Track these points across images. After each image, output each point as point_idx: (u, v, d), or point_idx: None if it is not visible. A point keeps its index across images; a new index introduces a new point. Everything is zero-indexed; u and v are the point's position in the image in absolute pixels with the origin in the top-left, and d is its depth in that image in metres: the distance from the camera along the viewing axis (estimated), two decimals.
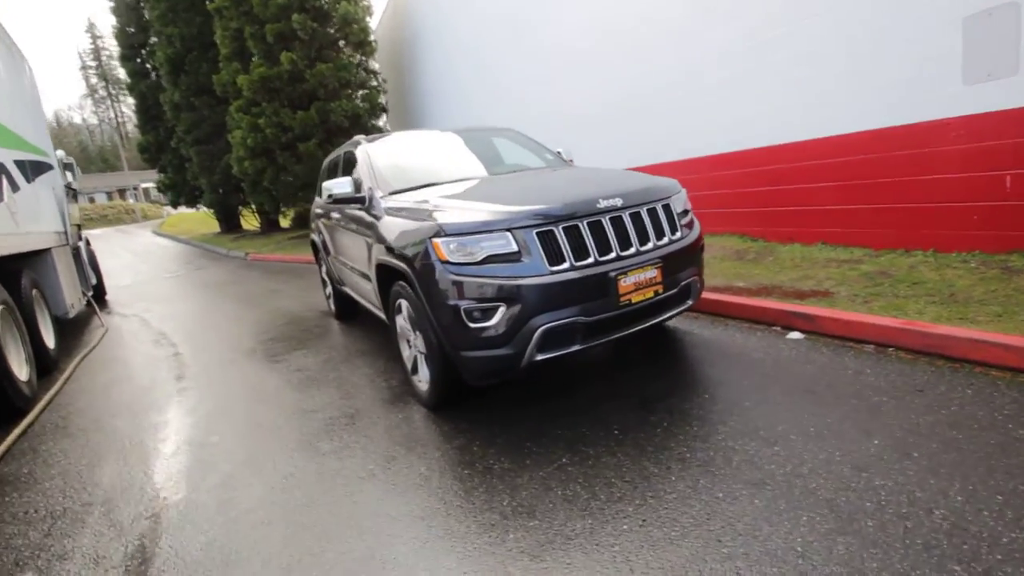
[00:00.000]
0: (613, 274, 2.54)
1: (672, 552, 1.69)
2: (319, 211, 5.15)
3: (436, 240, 2.55)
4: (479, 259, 2.49)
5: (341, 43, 13.36)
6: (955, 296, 3.35)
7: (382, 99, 13.81)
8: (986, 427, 2.12)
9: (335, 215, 4.36)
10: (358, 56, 13.47)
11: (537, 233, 2.50)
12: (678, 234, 2.90)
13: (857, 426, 2.24)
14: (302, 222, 17.69)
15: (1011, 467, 1.86)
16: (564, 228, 2.54)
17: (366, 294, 3.89)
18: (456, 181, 3.53)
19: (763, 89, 5.23)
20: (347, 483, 2.37)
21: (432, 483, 2.28)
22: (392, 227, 2.99)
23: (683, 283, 2.86)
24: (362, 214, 3.57)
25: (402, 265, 2.79)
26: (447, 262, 2.52)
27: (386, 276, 3.19)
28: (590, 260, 2.55)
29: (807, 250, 5.05)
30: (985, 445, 2.01)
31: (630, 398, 2.77)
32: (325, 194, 3.68)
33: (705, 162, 6.03)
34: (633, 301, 2.62)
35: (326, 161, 5.51)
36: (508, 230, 2.50)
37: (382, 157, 3.83)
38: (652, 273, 2.67)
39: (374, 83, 13.90)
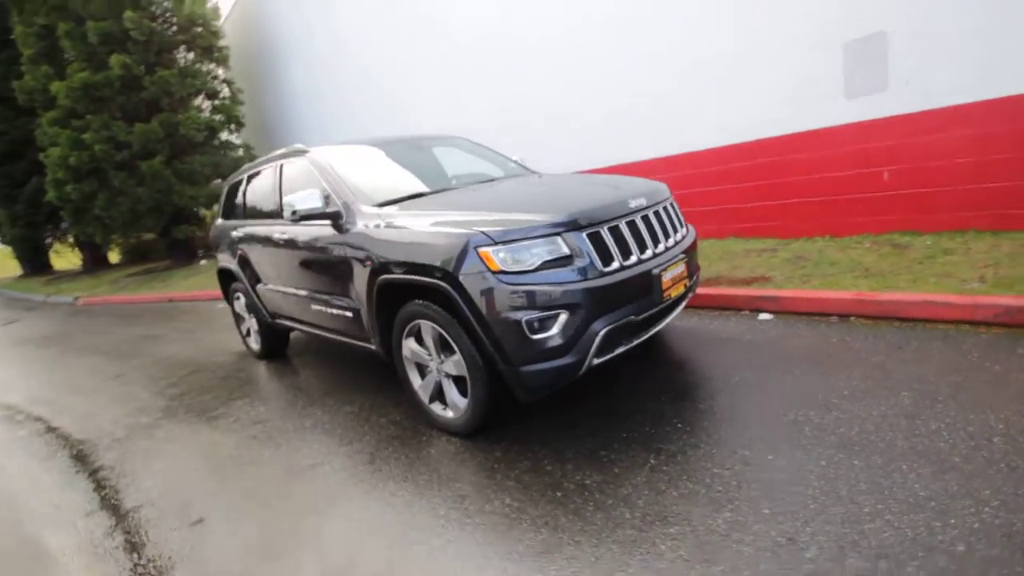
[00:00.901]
0: (656, 271, 2.60)
1: (825, 522, 1.76)
2: (238, 234, 4.44)
3: (485, 250, 2.35)
4: (534, 266, 2.36)
5: (183, 48, 11.77)
6: (869, 270, 4.04)
7: (239, 111, 12.42)
8: (970, 368, 2.57)
9: (276, 236, 3.79)
10: (207, 63, 11.97)
11: (587, 235, 2.45)
12: (684, 230, 3.06)
13: (879, 384, 2.56)
14: (138, 255, 15.07)
15: (1012, 395, 2.29)
16: (608, 229, 2.53)
17: (334, 323, 3.44)
18: (445, 191, 3.31)
19: (686, 100, 5.82)
20: (440, 537, 2.04)
21: (529, 513, 2.08)
22: (402, 241, 2.69)
23: (694, 276, 3.03)
24: (332, 232, 3.15)
25: (430, 281, 2.52)
26: (501, 272, 2.34)
27: (389, 297, 2.86)
28: (634, 259, 2.57)
29: (723, 244, 5.69)
30: (981, 382, 2.44)
31: (659, 393, 2.84)
32: (287, 210, 3.17)
33: (631, 168, 6.44)
34: (672, 296, 2.70)
35: (234, 178, 4.79)
36: (558, 235, 2.41)
37: (347, 167, 3.43)
38: (681, 268, 2.78)
39: (227, 93, 12.46)
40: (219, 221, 5.07)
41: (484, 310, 2.36)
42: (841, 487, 1.91)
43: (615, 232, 2.55)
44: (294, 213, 3.16)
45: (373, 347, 3.18)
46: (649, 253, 2.65)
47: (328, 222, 3.21)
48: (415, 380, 2.93)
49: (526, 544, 1.92)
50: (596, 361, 2.44)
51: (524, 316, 2.33)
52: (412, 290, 2.74)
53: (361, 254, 2.95)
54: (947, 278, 3.62)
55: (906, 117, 4.34)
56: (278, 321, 4.35)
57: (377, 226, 2.88)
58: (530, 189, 3.14)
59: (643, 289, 2.55)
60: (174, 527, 2.44)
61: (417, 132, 4.56)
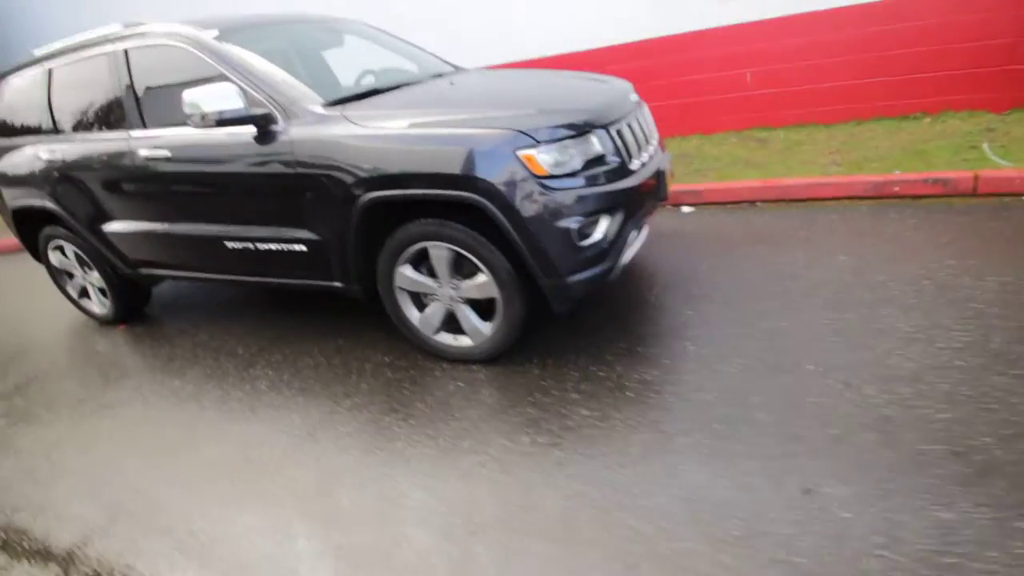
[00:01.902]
0: (664, 167, 2.61)
1: (858, 364, 2.10)
2: (58, 157, 3.11)
3: (528, 152, 2.06)
4: (577, 168, 2.16)
5: None
6: (749, 162, 4.69)
7: None
8: (872, 232, 3.20)
9: (146, 154, 2.75)
10: None
11: (611, 133, 2.31)
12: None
13: (819, 253, 3.06)
14: None
15: (912, 247, 2.95)
16: (627, 125, 2.43)
17: (267, 265, 2.73)
18: (405, 86, 2.76)
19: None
20: (564, 473, 1.92)
21: (614, 417, 2.07)
22: (402, 148, 2.19)
23: None
24: (262, 143, 2.42)
25: (454, 194, 2.13)
26: (547, 177, 2.10)
27: (374, 220, 2.37)
28: (647, 157, 2.53)
29: None
30: (886, 241, 3.08)
31: (648, 287, 2.99)
32: (192, 114, 2.29)
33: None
34: (667, 193, 2.77)
35: (16, 75, 3.28)
36: (590, 132, 2.22)
37: (260, 58, 2.57)
38: (669, 166, 2.85)
39: None
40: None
41: (529, 221, 2.12)
42: (855, 337, 2.33)
43: (629, 129, 2.47)
44: (204, 118, 2.33)
45: (338, 285, 2.66)
46: (652, 150, 2.65)
47: (251, 129, 2.45)
48: (412, 313, 2.57)
49: (636, 446, 1.94)
50: (622, 264, 2.44)
51: (574, 223, 2.17)
52: (414, 208, 2.32)
53: (325, 168, 2.34)
54: (809, 164, 4.42)
55: (763, 23, 4.94)
56: (143, 271, 3.32)
57: (346, 132, 2.30)
58: (516, 85, 2.77)
59: (657, 188, 2.56)
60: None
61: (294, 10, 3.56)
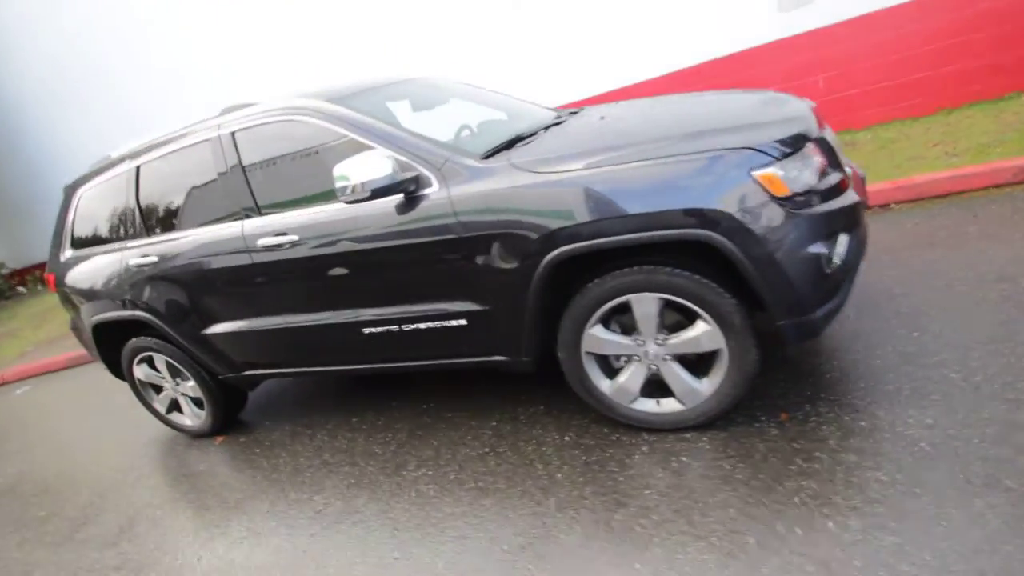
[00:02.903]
0: (863, 175, 2.30)
1: None
2: (152, 260, 2.80)
3: (766, 172, 1.73)
4: (815, 183, 1.84)
5: None
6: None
7: None
8: None
9: (267, 243, 2.43)
10: None
11: (821, 144, 2.01)
12: None
13: (1005, 246, 2.71)
14: None
15: None
16: (824, 136, 2.12)
17: (414, 347, 2.38)
18: (552, 128, 2.51)
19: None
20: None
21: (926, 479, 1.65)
22: (601, 188, 1.85)
23: None
24: (419, 214, 2.10)
25: (676, 233, 1.78)
26: (791, 198, 1.77)
27: (561, 276, 2.02)
28: (849, 170, 2.22)
29: None
30: None
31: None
32: (351, 184, 1.99)
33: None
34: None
35: (93, 179, 3.05)
36: (808, 143, 1.91)
37: (393, 120, 2.31)
38: None
39: None
40: (69, 253, 3.21)
41: (775, 251, 1.77)
42: None
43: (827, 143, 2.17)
44: (354, 190, 2.03)
45: (501, 359, 2.29)
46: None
47: (396, 198, 2.15)
48: (601, 381, 2.19)
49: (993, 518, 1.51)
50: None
51: (823, 247, 1.82)
52: (607, 260, 1.98)
53: (499, 227, 2.01)
54: (919, 159, 4.13)
55: (830, 28, 4.81)
56: (249, 373, 2.95)
57: (522, 182, 1.98)
58: (682, 107, 2.40)
59: (865, 199, 2.24)
60: None
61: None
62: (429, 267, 2.20)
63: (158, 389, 3.34)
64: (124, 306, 2.98)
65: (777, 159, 1.76)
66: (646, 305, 1.97)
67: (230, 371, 2.98)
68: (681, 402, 2.11)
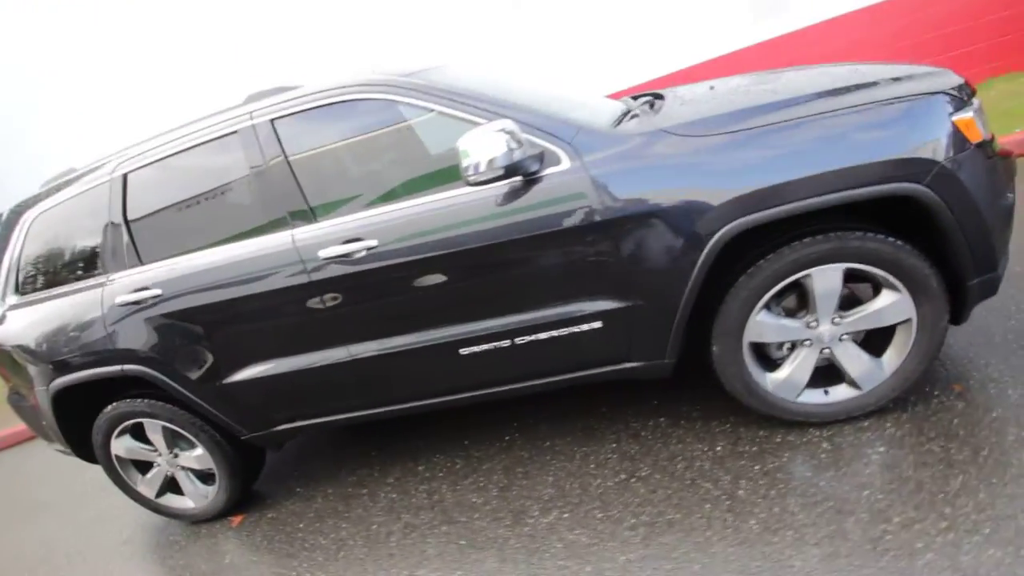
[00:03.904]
0: None
1: None
2: (147, 296, 2.13)
3: (965, 116, 1.58)
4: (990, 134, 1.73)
5: None
6: None
7: None
8: None
9: (321, 257, 1.92)
10: None
11: None
12: None
13: None
14: None
15: None
16: None
17: (534, 360, 1.96)
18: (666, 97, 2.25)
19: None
20: None
21: None
22: (787, 146, 1.60)
23: None
24: (542, 198, 1.74)
25: (876, 189, 1.56)
26: (983, 145, 1.63)
27: (726, 258, 1.73)
28: None
29: None
30: None
31: None
32: (478, 162, 1.59)
33: None
34: None
35: (54, 198, 2.38)
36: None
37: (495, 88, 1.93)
38: None
39: None
40: (13, 300, 2.43)
41: (980, 202, 1.61)
42: None
43: None
44: (481, 168, 1.63)
45: (633, 365, 1.94)
46: None
47: (510, 183, 1.78)
48: (761, 374, 1.90)
49: None
50: None
51: (1010, 197, 1.71)
52: (783, 229, 1.73)
53: (655, 206, 1.69)
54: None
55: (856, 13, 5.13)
56: (282, 428, 2.33)
57: (687, 148, 1.69)
58: (802, 75, 2.13)
59: None
60: None
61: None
62: (560, 261, 1.82)
63: (145, 467, 2.58)
64: (106, 360, 2.26)
65: (968, 103, 1.64)
66: (828, 279, 1.74)
67: (259, 428, 2.35)
68: (856, 387, 1.88)
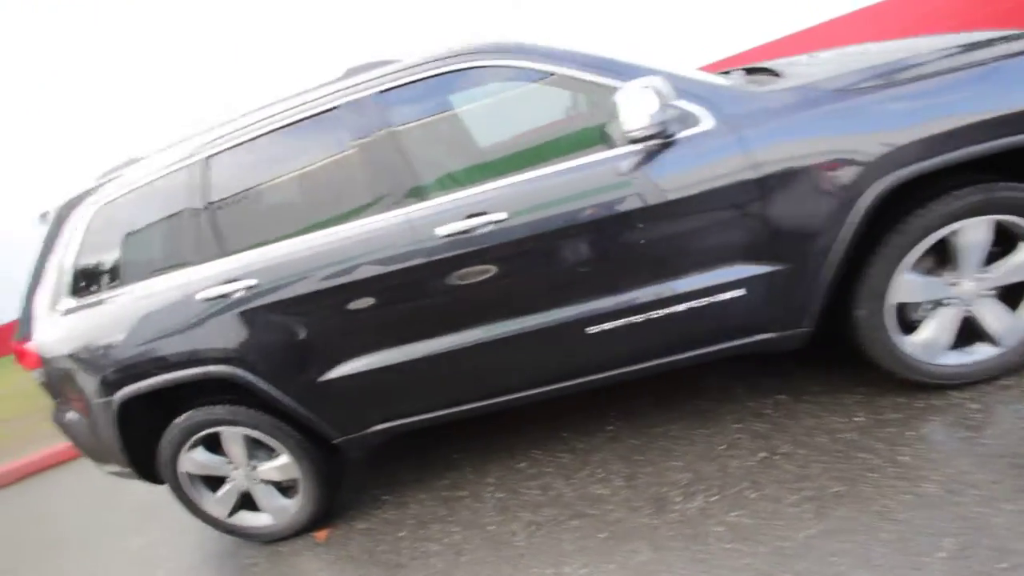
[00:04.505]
0: None
1: None
2: (238, 288, 1.96)
3: None
4: None
5: None
6: None
7: None
8: None
9: (441, 235, 1.80)
10: None
11: None
12: None
13: None
14: None
15: None
16: None
17: (672, 332, 1.87)
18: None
19: None
20: None
21: None
22: (959, 91, 1.59)
23: None
24: (687, 161, 1.68)
25: None
26: None
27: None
28: None
29: None
30: None
31: None
32: (631, 128, 1.51)
33: None
34: None
35: (130, 183, 2.22)
36: None
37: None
38: None
39: None
40: (67, 305, 2.20)
41: None
42: None
43: None
44: (646, 122, 1.56)
45: (768, 336, 1.87)
46: None
47: (646, 146, 1.70)
48: (900, 337, 1.85)
49: None
50: None
51: None
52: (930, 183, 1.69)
53: (811, 156, 1.64)
54: None
55: None
56: (378, 428, 2.16)
57: (830, 104, 1.65)
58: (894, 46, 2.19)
59: None
60: None
61: None
62: (704, 225, 1.75)
63: (215, 483, 2.35)
64: (187, 363, 2.05)
65: None
66: (977, 232, 1.71)
67: (353, 430, 2.17)
68: (997, 344, 1.86)
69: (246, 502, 2.38)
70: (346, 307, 1.96)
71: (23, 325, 2.35)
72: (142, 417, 2.25)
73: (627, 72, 1.73)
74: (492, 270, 1.85)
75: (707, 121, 1.71)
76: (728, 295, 1.82)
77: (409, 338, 1.98)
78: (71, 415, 2.37)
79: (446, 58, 1.85)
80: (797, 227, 1.72)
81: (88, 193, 2.23)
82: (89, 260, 2.18)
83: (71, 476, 3.92)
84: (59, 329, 2.20)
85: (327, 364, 2.04)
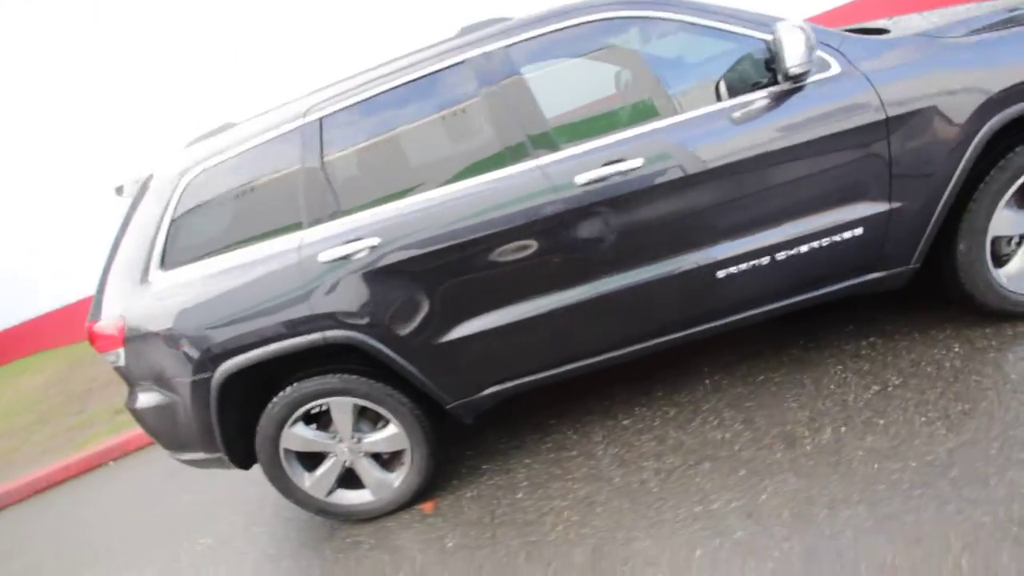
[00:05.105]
0: None
1: None
2: (361, 247, 1.91)
3: None
4: None
5: None
6: None
7: None
8: None
9: (579, 183, 1.83)
10: None
11: None
12: None
13: None
14: None
15: None
16: None
17: (789, 273, 1.96)
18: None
19: None
20: None
21: None
22: None
23: None
24: (814, 103, 1.79)
25: None
26: None
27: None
28: None
29: None
30: None
31: None
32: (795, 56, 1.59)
33: None
34: None
35: (237, 142, 2.12)
36: None
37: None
38: None
39: None
40: (158, 278, 2.07)
41: None
42: None
43: None
44: (791, 62, 1.66)
45: (877, 276, 2.00)
46: None
47: (774, 89, 1.80)
48: (993, 270, 2.00)
49: None
50: None
51: None
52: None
53: (931, 96, 1.77)
54: None
55: None
56: (493, 390, 2.14)
57: (945, 45, 1.78)
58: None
59: None
60: None
61: None
62: (830, 166, 1.85)
63: (313, 462, 2.25)
64: (302, 329, 1.96)
65: None
66: None
67: (467, 393, 2.14)
68: None
69: (349, 479, 2.30)
70: (474, 263, 1.94)
71: (96, 306, 2.19)
72: (237, 395, 2.14)
73: (758, 22, 1.82)
74: (630, 216, 1.89)
75: (835, 66, 1.82)
76: (848, 235, 1.92)
77: (537, 292, 1.99)
78: (151, 398, 2.21)
79: (581, 9, 1.89)
80: (917, 165, 1.84)
81: (179, 160, 2.11)
82: (184, 228, 2.06)
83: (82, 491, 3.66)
84: (149, 303, 2.06)
85: (449, 324, 2.01)
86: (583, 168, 1.86)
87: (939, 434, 1.78)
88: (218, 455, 2.23)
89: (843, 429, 1.93)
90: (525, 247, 1.92)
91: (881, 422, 1.90)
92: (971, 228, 1.95)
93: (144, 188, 2.10)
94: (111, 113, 6.48)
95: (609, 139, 1.87)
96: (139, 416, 2.28)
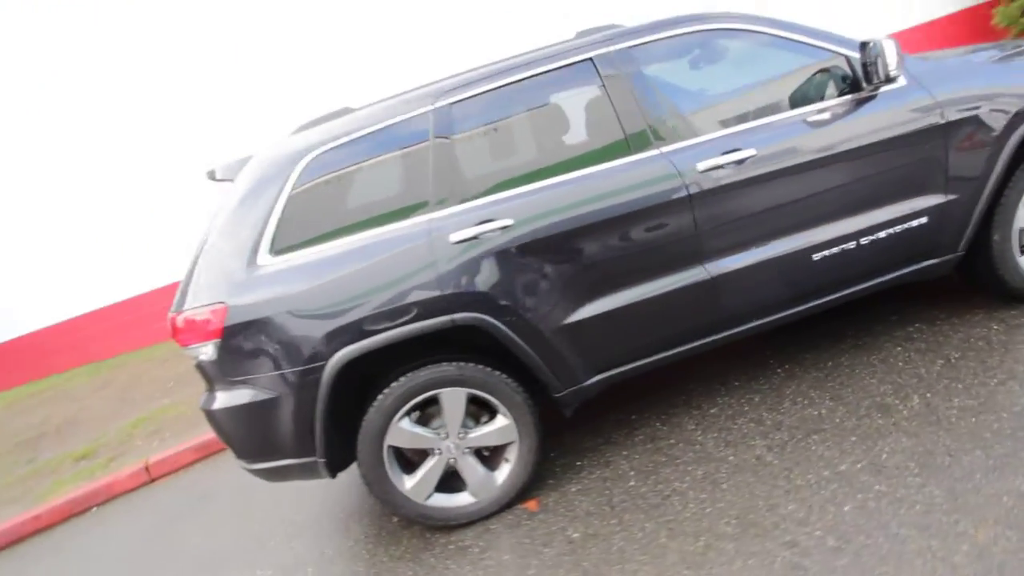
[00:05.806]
0: None
1: None
2: (494, 228, 1.95)
3: None
4: None
5: None
6: None
7: None
8: None
9: (703, 168, 2.00)
10: None
11: None
12: None
13: None
14: None
15: None
16: None
17: (863, 262, 2.21)
18: None
19: None
20: None
21: None
22: None
23: None
24: (887, 104, 2.11)
25: None
26: None
27: None
28: None
29: None
30: None
31: None
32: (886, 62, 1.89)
33: None
34: None
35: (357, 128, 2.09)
36: None
37: None
38: None
39: None
40: (266, 263, 1.95)
41: None
42: None
43: None
44: (888, 68, 1.96)
45: (932, 262, 2.31)
46: None
47: (858, 94, 2.11)
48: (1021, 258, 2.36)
49: None
50: None
51: None
52: None
53: (978, 101, 2.14)
54: None
55: None
56: (602, 377, 2.16)
57: (985, 58, 2.19)
58: None
59: None
60: None
61: None
62: (905, 161, 2.16)
63: (414, 462, 2.11)
64: (432, 311, 1.91)
65: None
66: None
67: (577, 380, 2.14)
68: None
69: (449, 481, 2.17)
70: (602, 244, 2.02)
71: (182, 295, 2.00)
72: (341, 390, 2.00)
73: (841, 41, 2.14)
74: (742, 202, 2.07)
75: (901, 79, 2.15)
76: (916, 223, 2.22)
77: (659, 273, 2.09)
78: (238, 395, 2.01)
79: (693, 20, 2.12)
80: (966, 162, 2.19)
81: (293, 143, 2.04)
82: (300, 211, 1.97)
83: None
84: (258, 289, 1.92)
85: (574, 306, 2.05)
86: (703, 156, 2.03)
87: (1015, 390, 2.03)
88: (309, 460, 2.05)
89: (928, 395, 2.14)
90: (652, 228, 2.04)
91: (960, 386, 2.13)
92: (1003, 220, 2.31)
93: (253, 171, 2.00)
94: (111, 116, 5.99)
95: (727, 131, 2.08)
96: (217, 418, 2.06)
